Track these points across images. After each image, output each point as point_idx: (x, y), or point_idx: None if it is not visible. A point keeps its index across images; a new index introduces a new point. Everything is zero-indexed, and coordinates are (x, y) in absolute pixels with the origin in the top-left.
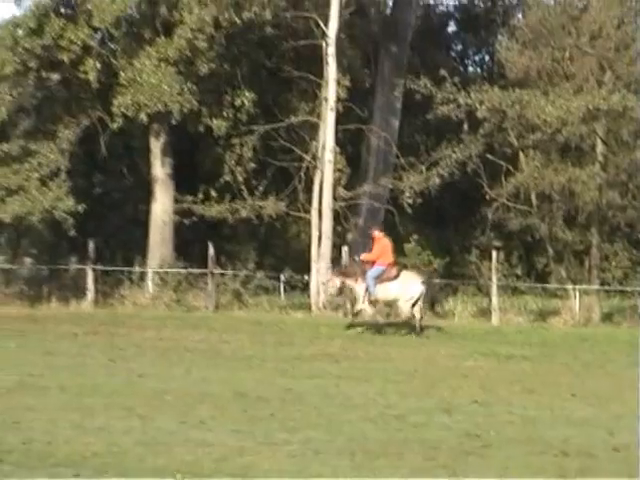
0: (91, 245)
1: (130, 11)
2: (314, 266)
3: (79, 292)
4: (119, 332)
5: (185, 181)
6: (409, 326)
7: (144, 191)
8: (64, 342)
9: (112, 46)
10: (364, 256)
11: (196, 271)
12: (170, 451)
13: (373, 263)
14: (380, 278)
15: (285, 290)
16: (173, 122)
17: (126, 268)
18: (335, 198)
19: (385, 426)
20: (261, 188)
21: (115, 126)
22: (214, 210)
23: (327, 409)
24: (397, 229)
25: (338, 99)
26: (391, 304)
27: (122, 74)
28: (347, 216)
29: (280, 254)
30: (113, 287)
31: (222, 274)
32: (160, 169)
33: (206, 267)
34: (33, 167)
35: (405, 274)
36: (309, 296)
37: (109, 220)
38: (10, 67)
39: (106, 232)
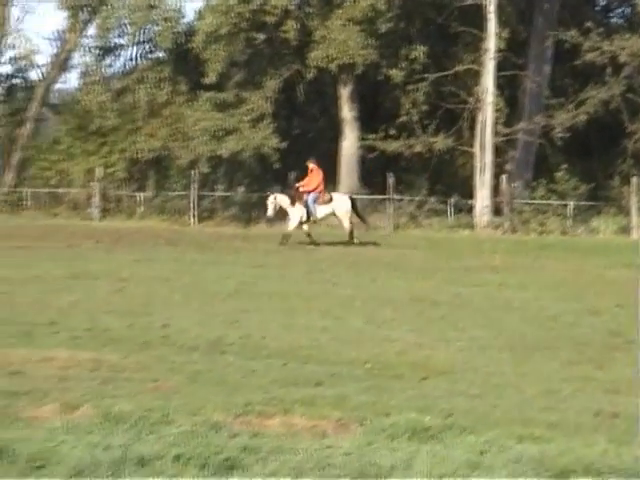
0: (291, 176)
1: None
2: (477, 192)
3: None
4: (315, 248)
5: (368, 122)
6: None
7: (334, 131)
8: (271, 257)
9: (308, 10)
10: (304, 187)
11: (378, 197)
12: (359, 346)
13: (311, 191)
14: (317, 202)
15: (453, 212)
16: (358, 72)
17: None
18: (495, 134)
19: (540, 325)
20: (432, 127)
21: (310, 76)
22: (393, 146)
23: (490, 312)
24: (548, 160)
25: (498, 50)
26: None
27: (316, 33)
28: (505, 149)
29: (448, 182)
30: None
31: (400, 199)
32: (348, 112)
33: (386, 194)
34: (245, 112)
35: (335, 195)
36: (473, 217)
37: (306, 155)
38: (224, 29)
39: (303, 165)
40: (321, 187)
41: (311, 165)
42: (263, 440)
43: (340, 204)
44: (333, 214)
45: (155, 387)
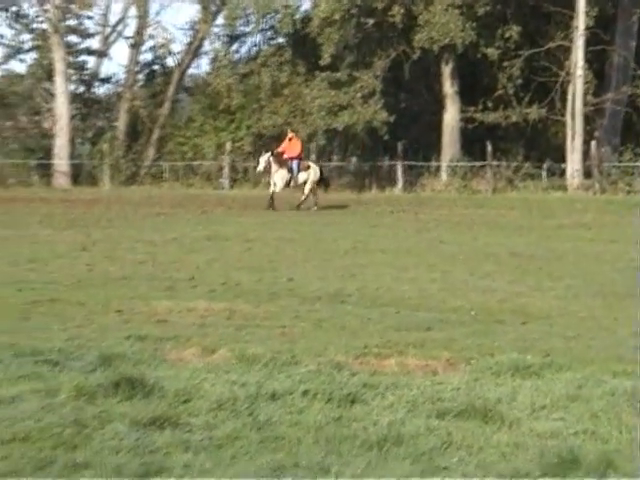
0: (399, 146)
1: None
2: (569, 157)
3: (391, 182)
4: (422, 210)
5: (468, 96)
6: None
7: (437, 105)
8: (382, 218)
9: None
10: (288, 153)
11: (478, 164)
12: (464, 295)
13: (294, 158)
14: (299, 168)
15: (546, 176)
16: (458, 52)
17: (425, 163)
18: (584, 104)
19: (629, 275)
20: (526, 99)
21: (415, 57)
22: (491, 117)
23: (583, 264)
24: (634, 126)
25: (586, 27)
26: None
27: (420, 17)
28: (594, 117)
29: (542, 149)
30: (416, 177)
31: (497, 165)
32: (449, 87)
33: (485, 160)
34: (356, 89)
35: (311, 164)
36: (565, 180)
37: (412, 127)
38: (338, 15)
39: (410, 136)
40: (302, 155)
41: (290, 134)
42: (380, 378)
43: (315, 172)
44: (306, 180)
45: (283, 333)
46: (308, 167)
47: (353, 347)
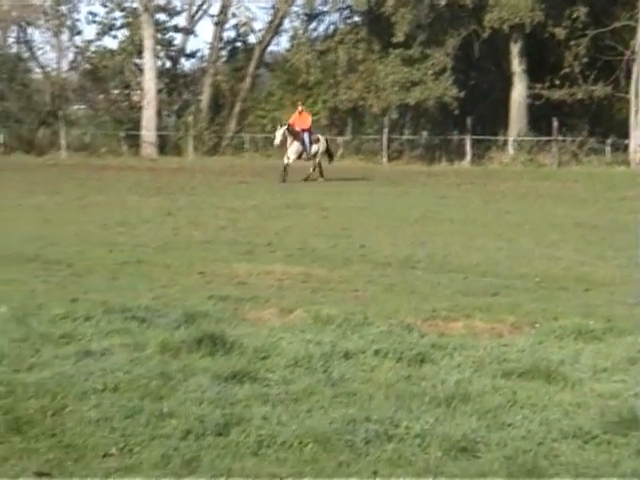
0: (468, 121)
1: None
2: (632, 133)
3: (460, 155)
4: (489, 183)
5: (535, 73)
6: None
7: (505, 82)
8: (451, 189)
9: None
10: (300, 126)
11: (544, 138)
12: (529, 262)
13: (306, 130)
14: (311, 140)
15: (610, 151)
16: (527, 31)
17: (493, 137)
18: None
19: None
20: (592, 77)
21: (485, 36)
22: (557, 94)
23: None
24: None
25: None
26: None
27: None
28: None
29: (606, 125)
30: (484, 151)
31: (563, 140)
32: (517, 65)
33: (551, 135)
34: (428, 66)
35: (319, 137)
36: (628, 154)
37: (480, 103)
38: None
39: (478, 112)
40: (311, 127)
41: (300, 107)
42: (448, 339)
43: (323, 144)
44: (317, 152)
45: (356, 296)
46: (317, 140)
47: (422, 310)
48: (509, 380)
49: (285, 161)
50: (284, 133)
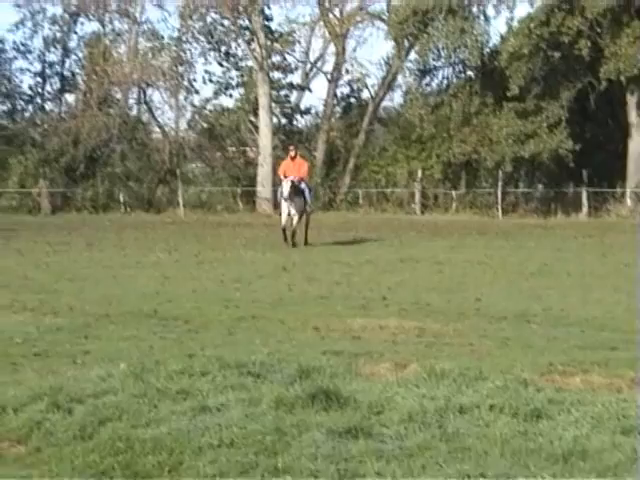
0: (584, 173)
1: (613, 3)
2: None
3: (576, 207)
4: (607, 235)
5: None
6: None
7: (622, 133)
8: (567, 242)
9: (599, 29)
10: (293, 175)
11: None
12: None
13: (303, 178)
14: (310, 190)
15: None
16: None
17: (610, 189)
18: None
19: None
20: None
21: (601, 87)
22: None
23: None
24: None
25: None
26: None
27: (607, 49)
28: None
29: None
30: (601, 203)
31: None
32: (634, 117)
33: None
34: (543, 119)
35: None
36: None
37: (597, 155)
38: (526, 49)
39: (595, 164)
40: (306, 176)
41: (292, 151)
42: (565, 394)
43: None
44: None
45: (471, 350)
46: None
47: (538, 364)
48: (629, 437)
49: (283, 222)
50: (292, 184)
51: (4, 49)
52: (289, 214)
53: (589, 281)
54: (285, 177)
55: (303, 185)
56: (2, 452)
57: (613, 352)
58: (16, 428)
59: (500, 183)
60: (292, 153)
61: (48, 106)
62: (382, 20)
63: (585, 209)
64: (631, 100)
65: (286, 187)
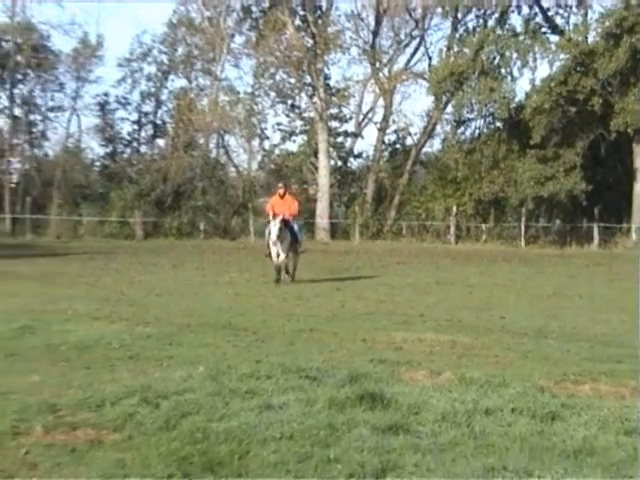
0: (596, 211)
1: (622, 66)
2: None
3: (588, 240)
4: (614, 264)
5: None
6: None
7: (629, 177)
8: (580, 270)
9: (609, 88)
10: (282, 213)
11: None
12: None
13: (294, 215)
14: (300, 229)
15: None
16: None
17: (618, 225)
18: None
19: None
20: None
21: (611, 138)
22: None
23: None
24: None
25: None
26: None
27: (616, 105)
28: None
29: None
30: (610, 236)
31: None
32: (639, 163)
33: None
34: (560, 164)
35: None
36: None
37: (606, 195)
38: (547, 104)
39: (605, 202)
40: (296, 213)
41: (280, 189)
42: (576, 400)
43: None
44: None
45: (496, 361)
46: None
47: (554, 374)
48: (631, 437)
49: (275, 261)
50: (280, 225)
51: (108, 101)
52: (278, 256)
53: (598, 303)
54: (274, 215)
55: (293, 223)
56: (102, 438)
57: (618, 364)
58: (112, 419)
59: (523, 218)
60: (281, 191)
61: (143, 149)
62: (424, 79)
63: (596, 241)
64: (637, 149)
65: (274, 230)
